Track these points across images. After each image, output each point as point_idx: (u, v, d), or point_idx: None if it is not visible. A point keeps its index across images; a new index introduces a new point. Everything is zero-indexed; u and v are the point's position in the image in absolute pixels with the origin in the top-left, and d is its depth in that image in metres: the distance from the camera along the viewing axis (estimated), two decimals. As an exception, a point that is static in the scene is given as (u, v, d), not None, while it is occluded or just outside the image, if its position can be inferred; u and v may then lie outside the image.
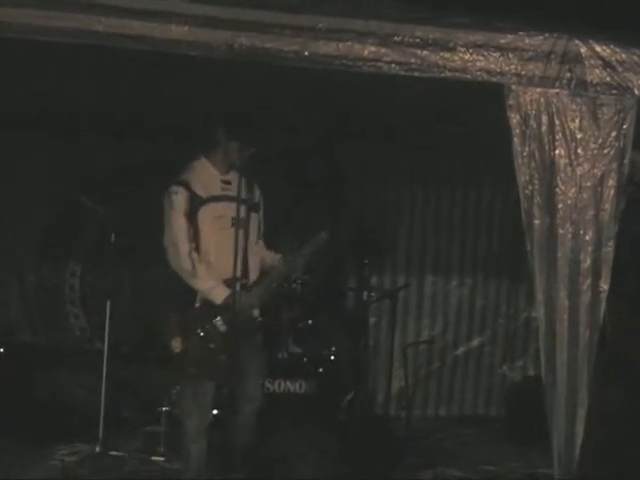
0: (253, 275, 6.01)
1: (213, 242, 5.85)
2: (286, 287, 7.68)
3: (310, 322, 7.79)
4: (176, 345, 5.83)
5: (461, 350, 9.22)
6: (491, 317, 9.28)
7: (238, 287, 5.73)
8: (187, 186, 5.85)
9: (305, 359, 7.74)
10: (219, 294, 5.81)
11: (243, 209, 5.85)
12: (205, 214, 5.84)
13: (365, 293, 7.91)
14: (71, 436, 7.35)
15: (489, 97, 5.62)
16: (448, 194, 9.17)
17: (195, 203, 5.82)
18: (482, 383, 9.29)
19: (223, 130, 5.95)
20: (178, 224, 5.82)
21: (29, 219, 8.59)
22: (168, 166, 6.04)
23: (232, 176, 5.97)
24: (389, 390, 8.11)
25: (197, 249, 5.83)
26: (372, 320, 8.71)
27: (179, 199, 5.82)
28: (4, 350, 8.13)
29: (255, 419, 6.16)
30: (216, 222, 5.87)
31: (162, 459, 7.02)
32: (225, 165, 5.99)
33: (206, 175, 5.95)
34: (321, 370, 7.76)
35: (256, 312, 6.08)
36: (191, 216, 5.82)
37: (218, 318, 5.80)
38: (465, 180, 9.08)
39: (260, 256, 6.17)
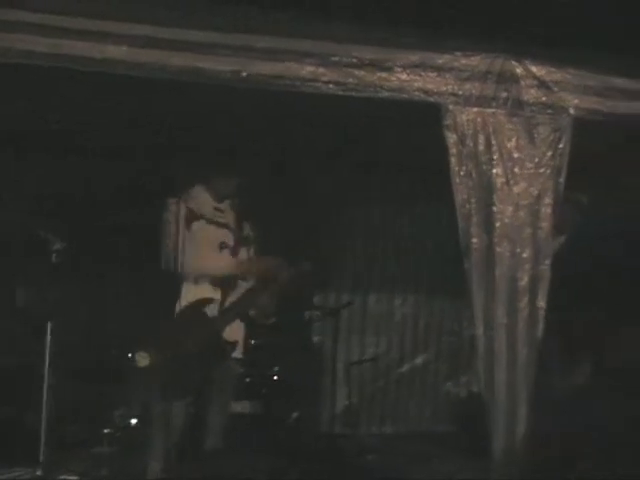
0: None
1: (198, 261, 5.91)
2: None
3: (253, 342, 7.76)
4: (140, 359, 5.86)
5: (406, 367, 9.25)
6: (435, 334, 9.32)
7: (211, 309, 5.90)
8: (185, 201, 5.97)
9: (248, 379, 7.71)
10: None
11: (231, 238, 6.05)
12: (196, 231, 5.95)
13: (307, 312, 7.91)
14: (10, 459, 7.26)
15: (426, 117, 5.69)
16: (392, 212, 9.20)
17: (190, 218, 5.93)
18: (427, 400, 9.32)
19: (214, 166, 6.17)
20: (168, 241, 5.95)
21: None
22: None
23: (226, 206, 6.15)
24: (334, 408, 8.10)
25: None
26: (316, 338, 8.71)
27: (171, 215, 5.95)
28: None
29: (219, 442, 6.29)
30: (204, 242, 5.98)
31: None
32: (219, 194, 6.13)
33: (200, 199, 6.08)
34: (265, 390, 7.74)
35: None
36: (183, 230, 5.92)
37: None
38: (409, 198, 9.11)
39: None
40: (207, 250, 5.97)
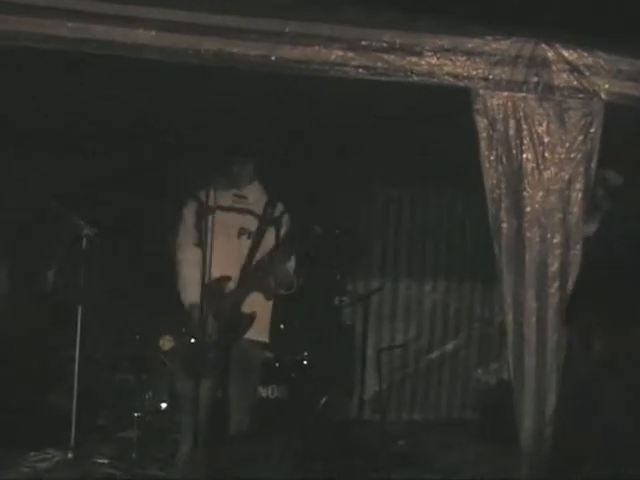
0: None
1: (217, 249, 5.87)
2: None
3: (282, 326, 7.76)
4: (164, 343, 5.99)
5: (435, 354, 9.24)
6: (465, 321, 9.30)
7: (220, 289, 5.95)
8: (197, 198, 6.10)
9: (278, 364, 7.72)
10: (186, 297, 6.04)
11: (255, 222, 6.11)
12: (211, 222, 5.91)
13: (337, 297, 7.90)
14: (43, 442, 7.31)
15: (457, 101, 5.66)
16: (422, 198, 9.18)
17: (203, 212, 5.97)
18: (457, 387, 9.30)
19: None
20: (183, 234, 6.17)
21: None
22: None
23: (250, 191, 6.21)
24: (363, 394, 8.10)
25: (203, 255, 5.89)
26: (345, 324, 8.70)
27: (188, 210, 6.16)
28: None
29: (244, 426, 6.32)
30: (222, 230, 5.98)
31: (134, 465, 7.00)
32: (240, 180, 6.19)
33: (220, 188, 6.08)
34: (294, 375, 7.74)
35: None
36: (199, 223, 6.04)
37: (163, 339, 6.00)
38: (438, 184, 9.08)
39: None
40: (224, 238, 5.99)
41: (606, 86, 5.64)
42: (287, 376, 7.69)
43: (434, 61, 5.43)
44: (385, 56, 5.36)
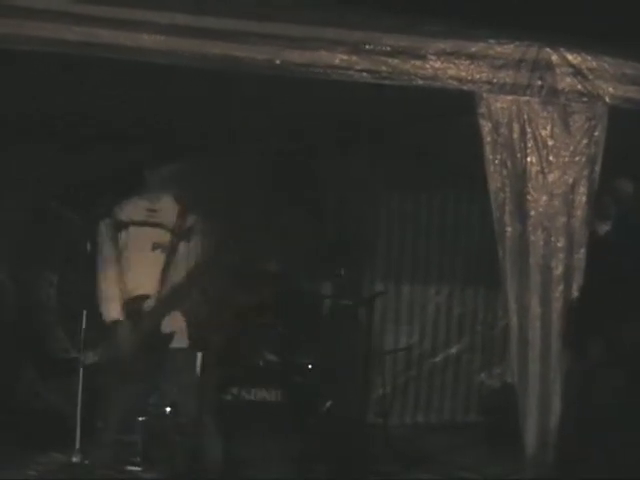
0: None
1: (133, 264, 6.07)
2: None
3: (285, 330, 7.77)
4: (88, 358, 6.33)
5: (439, 357, 9.24)
6: (469, 324, 9.29)
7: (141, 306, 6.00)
8: (110, 214, 6.15)
9: (281, 367, 7.73)
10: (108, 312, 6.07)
11: (167, 235, 6.10)
12: (126, 237, 6.11)
13: (341, 300, 7.91)
14: (47, 445, 7.32)
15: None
16: (426, 201, 9.18)
17: (117, 227, 6.10)
18: (460, 390, 9.30)
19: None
20: (101, 250, 6.16)
21: (3, 227, 8.57)
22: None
23: (161, 204, 6.19)
24: (367, 398, 8.10)
25: (119, 269, 6.08)
26: (349, 327, 8.70)
27: (105, 226, 6.15)
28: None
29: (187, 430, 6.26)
30: (137, 245, 6.10)
31: (138, 469, 7.00)
32: (153, 194, 6.21)
33: (133, 204, 6.19)
34: (298, 378, 7.75)
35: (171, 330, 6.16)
36: (114, 239, 6.11)
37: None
38: (442, 187, 9.08)
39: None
40: (139, 253, 6.08)
41: (610, 90, 5.65)
42: (292, 380, 7.71)
43: (438, 65, 5.44)
44: (389, 60, 5.37)
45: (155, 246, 6.11)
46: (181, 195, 6.18)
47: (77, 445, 7.01)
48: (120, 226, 6.12)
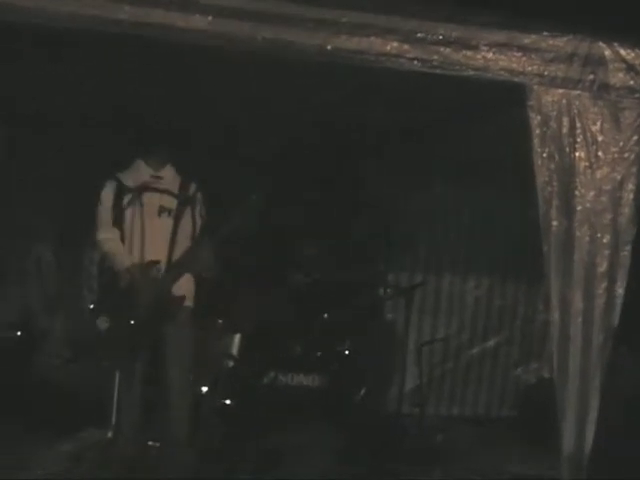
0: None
1: (137, 228, 6.21)
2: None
3: (325, 316, 7.79)
4: (101, 323, 6.15)
5: (476, 350, 9.23)
6: (508, 318, 9.28)
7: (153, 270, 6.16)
8: (116, 179, 6.33)
9: (319, 353, 7.74)
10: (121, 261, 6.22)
11: (172, 201, 6.29)
12: (131, 202, 6.24)
13: (381, 290, 7.91)
14: (84, 421, 7.37)
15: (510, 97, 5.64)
16: (469, 193, 9.16)
17: (122, 193, 6.27)
18: (496, 384, 9.28)
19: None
20: (102, 215, 6.31)
21: (49, 205, 8.63)
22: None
23: (165, 172, 6.41)
24: (402, 387, 8.10)
25: (122, 234, 6.28)
26: (388, 317, 8.71)
27: (106, 192, 6.33)
28: (21, 334, 8.20)
29: (186, 413, 6.36)
30: (142, 210, 6.23)
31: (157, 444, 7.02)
32: (157, 163, 6.40)
33: (137, 171, 6.39)
34: (335, 365, 7.76)
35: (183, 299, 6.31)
36: (117, 205, 6.27)
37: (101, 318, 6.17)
38: (487, 180, 9.05)
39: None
40: (146, 218, 6.22)
41: (663, 87, 5.59)
42: (328, 366, 7.73)
43: (489, 56, 5.39)
44: (441, 49, 5.34)
45: (162, 210, 6.28)
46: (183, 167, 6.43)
47: (113, 421, 7.11)
48: (125, 190, 6.27)
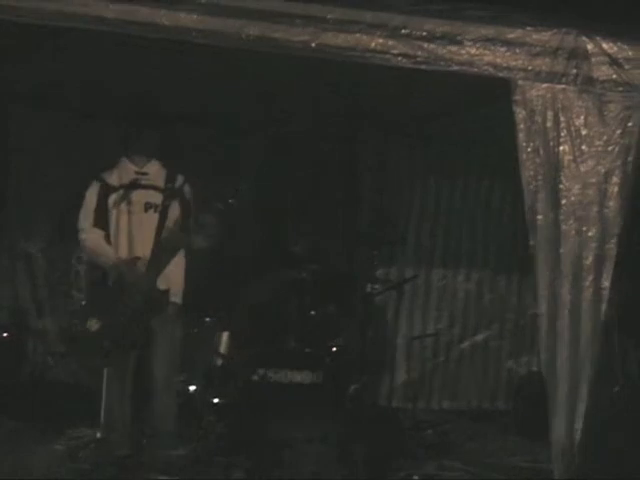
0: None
1: (124, 226, 6.31)
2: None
3: (315, 312, 7.79)
4: (91, 325, 6.20)
5: (467, 344, 9.24)
6: (498, 311, 9.30)
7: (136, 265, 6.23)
8: (100, 179, 6.39)
9: (311, 349, 7.75)
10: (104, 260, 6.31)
11: (159, 196, 6.34)
12: (116, 202, 6.32)
13: (370, 284, 7.92)
14: (76, 420, 7.38)
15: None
16: (459, 188, 9.18)
17: (107, 192, 6.34)
18: (488, 377, 9.30)
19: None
20: (85, 215, 6.38)
21: (40, 203, 8.62)
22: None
23: (150, 168, 6.44)
24: (394, 382, 8.12)
25: (108, 234, 6.34)
26: (378, 311, 8.71)
27: (90, 192, 6.40)
28: (9, 334, 8.22)
29: (171, 409, 6.49)
30: (128, 208, 6.33)
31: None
32: (141, 159, 6.44)
33: (122, 169, 6.43)
34: (327, 360, 7.76)
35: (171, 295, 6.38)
36: (102, 205, 6.34)
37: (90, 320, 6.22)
38: (475, 174, 9.08)
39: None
40: (132, 215, 6.31)
41: (646, 79, 5.62)
42: (318, 362, 7.72)
43: (474, 51, 5.42)
44: (426, 45, 5.37)
45: (148, 206, 6.33)
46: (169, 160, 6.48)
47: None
48: (110, 190, 6.32)
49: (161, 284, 6.29)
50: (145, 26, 5.16)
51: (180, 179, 6.45)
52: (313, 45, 5.29)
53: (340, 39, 5.34)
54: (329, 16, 5.31)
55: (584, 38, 5.51)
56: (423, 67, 5.40)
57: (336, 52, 5.36)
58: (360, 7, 5.36)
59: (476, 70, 5.45)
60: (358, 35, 5.34)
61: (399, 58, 5.36)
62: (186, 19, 5.19)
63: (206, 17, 5.21)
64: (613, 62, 5.53)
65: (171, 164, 6.50)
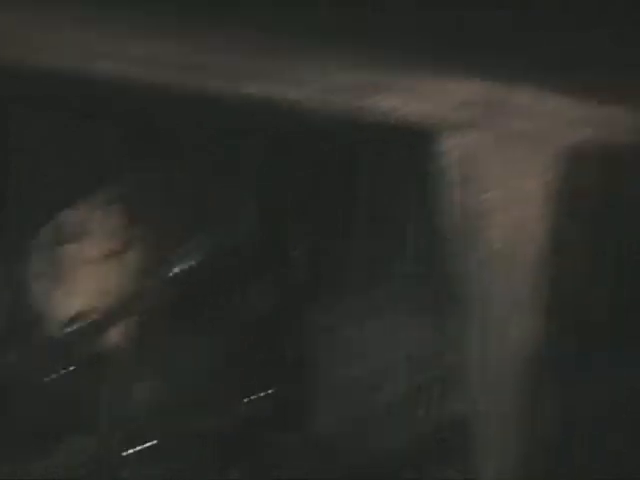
0: None
1: (73, 279, 6.20)
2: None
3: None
4: None
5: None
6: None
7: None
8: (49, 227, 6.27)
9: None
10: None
11: (111, 245, 6.25)
12: (67, 251, 6.19)
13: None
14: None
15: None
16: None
17: (61, 237, 6.21)
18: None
19: None
20: (40, 263, 6.31)
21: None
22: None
23: (104, 215, 6.33)
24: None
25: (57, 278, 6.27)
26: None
27: (44, 236, 6.23)
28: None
29: None
30: (77, 258, 6.22)
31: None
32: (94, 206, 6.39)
33: (72, 216, 6.30)
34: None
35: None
36: (56, 250, 6.20)
37: None
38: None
39: None
40: (81, 267, 6.23)
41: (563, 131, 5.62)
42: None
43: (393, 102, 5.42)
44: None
45: (99, 257, 6.28)
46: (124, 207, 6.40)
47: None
48: (60, 240, 6.27)
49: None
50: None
51: (136, 228, 6.39)
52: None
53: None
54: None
55: (500, 87, 5.52)
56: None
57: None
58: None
59: (394, 122, 5.47)
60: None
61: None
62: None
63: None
64: (530, 113, 5.55)
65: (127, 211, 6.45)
